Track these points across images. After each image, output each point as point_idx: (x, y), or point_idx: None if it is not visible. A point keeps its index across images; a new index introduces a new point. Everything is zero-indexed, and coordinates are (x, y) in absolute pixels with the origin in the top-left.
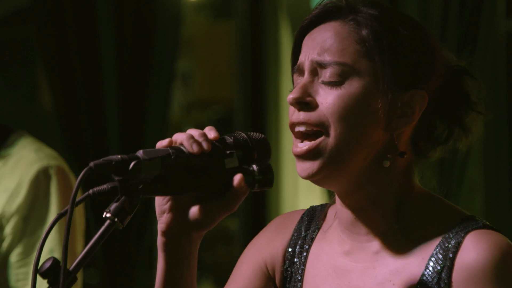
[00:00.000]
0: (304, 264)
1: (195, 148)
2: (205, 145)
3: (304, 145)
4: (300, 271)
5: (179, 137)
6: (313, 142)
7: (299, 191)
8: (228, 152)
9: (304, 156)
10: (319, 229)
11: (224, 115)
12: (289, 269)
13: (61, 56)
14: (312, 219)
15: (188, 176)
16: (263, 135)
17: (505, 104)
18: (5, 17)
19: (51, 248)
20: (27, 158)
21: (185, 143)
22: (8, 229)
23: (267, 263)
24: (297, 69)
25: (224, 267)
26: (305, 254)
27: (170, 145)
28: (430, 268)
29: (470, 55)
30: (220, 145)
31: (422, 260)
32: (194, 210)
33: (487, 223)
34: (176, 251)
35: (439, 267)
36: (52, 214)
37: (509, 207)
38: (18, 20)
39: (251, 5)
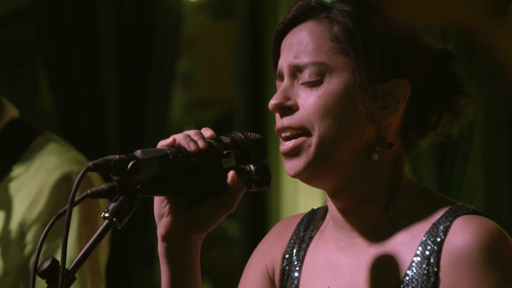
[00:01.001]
0: (302, 262)
1: (191, 147)
2: (201, 143)
3: (290, 143)
4: (297, 269)
5: (176, 138)
6: (298, 139)
7: (299, 192)
8: (225, 152)
9: (289, 154)
10: (317, 229)
11: (224, 115)
12: (286, 267)
13: (61, 56)
14: (312, 220)
15: (186, 176)
16: (260, 135)
17: (505, 104)
18: (5, 17)
19: (71, 258)
20: (49, 163)
21: (182, 142)
22: (30, 237)
23: (268, 267)
24: (278, 75)
25: (223, 269)
26: (302, 253)
27: (172, 144)
28: (419, 253)
29: (470, 53)
30: (217, 145)
31: (412, 248)
32: (193, 212)
33: (477, 210)
34: (178, 256)
35: (427, 252)
36: (74, 221)
37: (509, 207)
38: (18, 20)
39: (252, 5)
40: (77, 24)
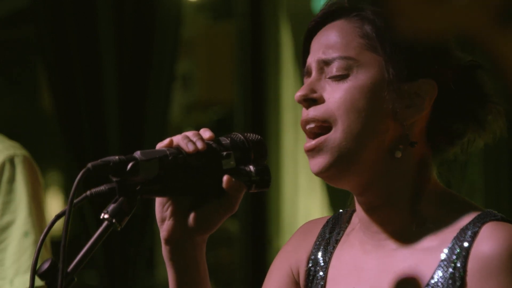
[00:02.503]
0: (328, 264)
1: (190, 147)
2: (199, 144)
3: (314, 141)
4: (323, 270)
5: (175, 139)
6: (322, 136)
7: (299, 192)
8: (225, 153)
9: (313, 151)
10: (343, 231)
11: (224, 116)
12: (312, 268)
13: (61, 56)
14: (337, 223)
15: (185, 177)
16: (259, 136)
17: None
18: (5, 17)
19: (26, 231)
20: None
21: (181, 143)
22: None
23: (293, 268)
24: (306, 71)
25: (225, 268)
26: (328, 255)
27: (170, 145)
28: (446, 258)
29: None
30: (217, 146)
31: (438, 252)
32: (195, 214)
33: (506, 217)
34: (182, 258)
35: (454, 257)
36: (18, 199)
37: (510, 207)
38: (18, 20)
39: (251, 6)
40: (77, 24)
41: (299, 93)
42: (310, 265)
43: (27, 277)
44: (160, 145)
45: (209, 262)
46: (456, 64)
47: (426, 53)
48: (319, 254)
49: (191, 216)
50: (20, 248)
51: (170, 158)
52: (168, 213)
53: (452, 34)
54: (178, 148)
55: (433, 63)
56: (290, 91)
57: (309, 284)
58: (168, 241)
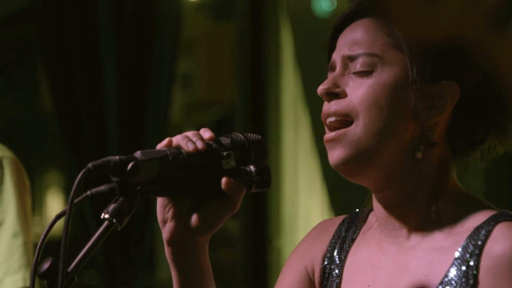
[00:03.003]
0: (343, 262)
1: (190, 147)
2: (199, 144)
3: (333, 132)
4: (339, 268)
5: (175, 139)
6: (342, 129)
7: (299, 191)
8: (225, 153)
9: (332, 142)
10: (359, 230)
11: (224, 116)
12: (328, 266)
13: (61, 56)
14: (353, 221)
15: (186, 177)
16: (260, 136)
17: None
18: (5, 17)
19: (15, 232)
20: None
21: (181, 143)
22: None
23: (307, 266)
24: (330, 67)
25: (226, 268)
26: (344, 253)
27: (169, 145)
28: (460, 256)
29: None
30: (217, 146)
31: (453, 251)
32: (196, 215)
33: None
34: (185, 259)
35: (468, 255)
36: (7, 201)
37: (510, 208)
38: (18, 20)
39: (252, 6)
40: (77, 24)
41: (322, 87)
42: (325, 263)
43: (17, 277)
44: (160, 146)
45: (210, 262)
46: (480, 69)
47: (451, 56)
48: (335, 252)
49: (193, 217)
50: (10, 249)
51: (170, 158)
52: (169, 214)
53: (448, 38)
54: (178, 148)
55: (457, 66)
56: (290, 91)
57: (325, 282)
58: (170, 242)
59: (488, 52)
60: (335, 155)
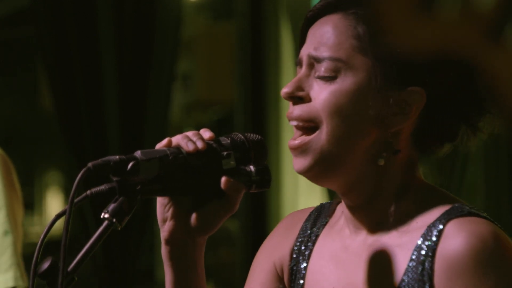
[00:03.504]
0: (307, 261)
1: (190, 147)
2: (199, 143)
3: (297, 140)
4: (303, 267)
5: (175, 139)
6: (305, 137)
7: (299, 191)
8: (225, 153)
9: (295, 151)
10: (324, 225)
11: (224, 115)
12: (294, 267)
13: (61, 56)
14: (319, 216)
15: (186, 177)
16: (260, 136)
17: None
18: (5, 17)
19: (5, 230)
20: None
21: (181, 143)
22: None
23: (276, 264)
24: (298, 62)
25: (225, 268)
26: (308, 252)
27: (169, 145)
28: (414, 258)
29: None
30: (217, 146)
31: (408, 250)
32: (195, 215)
33: (474, 210)
34: (182, 259)
35: (422, 257)
36: None
37: (510, 207)
38: (18, 20)
39: (251, 5)
40: (77, 24)
41: (285, 90)
42: (292, 263)
43: (7, 277)
44: (160, 145)
45: (209, 262)
46: (451, 70)
47: (417, 62)
48: (300, 251)
49: (192, 216)
50: (0, 248)
51: (170, 158)
52: (169, 214)
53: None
54: (178, 148)
55: (423, 72)
56: None
57: (292, 277)
58: (168, 241)
59: (483, 61)
60: (299, 163)
